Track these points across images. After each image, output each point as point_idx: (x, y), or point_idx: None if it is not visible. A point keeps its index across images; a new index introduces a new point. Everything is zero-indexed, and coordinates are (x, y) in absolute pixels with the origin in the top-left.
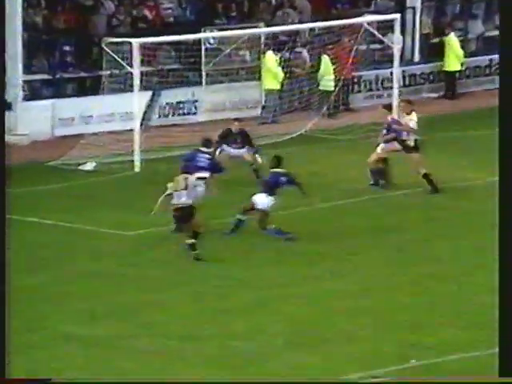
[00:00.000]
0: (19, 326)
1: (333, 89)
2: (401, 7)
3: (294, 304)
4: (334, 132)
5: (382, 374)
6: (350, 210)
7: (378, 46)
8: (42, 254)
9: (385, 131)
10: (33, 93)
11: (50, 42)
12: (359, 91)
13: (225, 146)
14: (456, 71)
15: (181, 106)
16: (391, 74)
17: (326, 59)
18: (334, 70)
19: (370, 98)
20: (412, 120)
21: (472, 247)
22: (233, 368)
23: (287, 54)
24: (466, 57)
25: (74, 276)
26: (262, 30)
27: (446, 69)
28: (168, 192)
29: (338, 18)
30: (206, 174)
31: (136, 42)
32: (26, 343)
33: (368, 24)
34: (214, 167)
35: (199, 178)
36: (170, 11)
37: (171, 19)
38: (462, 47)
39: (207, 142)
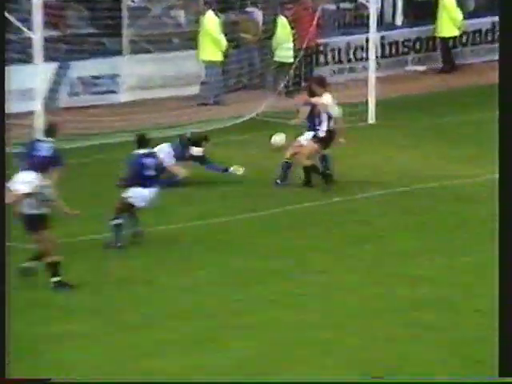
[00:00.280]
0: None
1: (292, 60)
2: None
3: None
4: (293, 115)
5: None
6: (311, 216)
7: (349, 4)
8: None
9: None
10: None
11: None
12: (326, 63)
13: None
14: (450, 38)
15: (97, 81)
16: (366, 41)
17: (283, 22)
18: (294, 35)
19: (339, 72)
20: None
21: (472, 264)
22: None
23: (233, 16)
24: (464, 18)
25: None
26: None
27: (440, 34)
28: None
29: None
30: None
31: None
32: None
33: None
34: (53, 160)
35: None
36: None
37: None
38: (459, 6)
39: (50, 130)
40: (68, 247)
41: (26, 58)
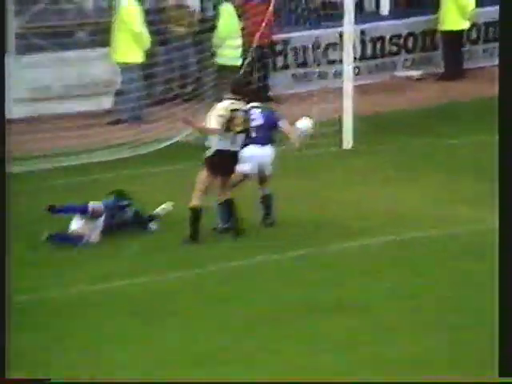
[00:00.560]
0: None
1: (239, 62)
2: None
3: None
4: None
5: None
6: (263, 275)
7: None
8: None
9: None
10: None
11: None
12: (286, 67)
13: None
14: (457, 32)
15: None
16: (341, 36)
17: (228, 10)
18: (243, 29)
19: (304, 79)
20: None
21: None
22: None
23: (159, 1)
24: (477, 6)
25: None
26: None
27: (442, 27)
28: None
29: None
30: None
31: None
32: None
33: None
34: None
35: None
36: None
37: None
38: None
39: None
40: None
41: None
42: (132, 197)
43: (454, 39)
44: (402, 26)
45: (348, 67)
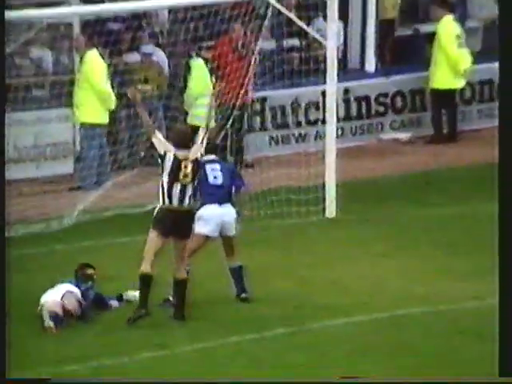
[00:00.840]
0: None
1: (213, 123)
2: None
3: None
4: None
5: None
6: (236, 358)
7: (297, 42)
8: None
9: None
10: None
11: None
12: (264, 128)
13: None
14: (452, 90)
15: None
16: (323, 95)
17: (199, 65)
18: (216, 87)
19: (284, 142)
20: None
21: None
22: None
23: (127, 56)
24: (473, 63)
25: None
26: (76, 8)
27: (435, 86)
28: None
29: None
30: None
31: None
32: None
33: (278, 0)
34: None
35: None
36: None
37: None
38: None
39: None
40: None
41: None
42: (93, 274)
43: (446, 99)
44: (389, 84)
45: (331, 128)
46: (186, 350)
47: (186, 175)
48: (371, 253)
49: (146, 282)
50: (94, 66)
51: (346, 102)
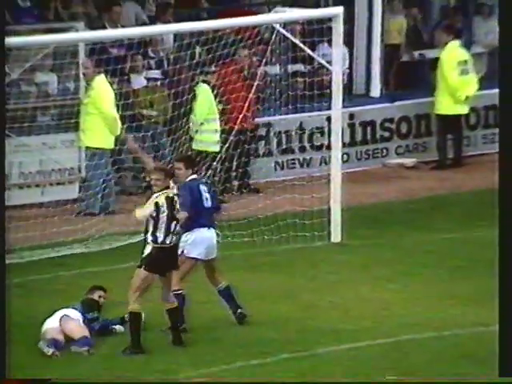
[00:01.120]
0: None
1: (218, 148)
2: None
3: None
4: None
5: None
6: None
7: (302, 67)
8: None
9: None
10: None
11: None
12: (269, 153)
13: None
14: (457, 116)
15: None
16: (328, 120)
17: (204, 91)
18: (222, 112)
19: (288, 167)
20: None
21: None
22: None
23: (133, 81)
24: (479, 89)
25: None
26: (82, 35)
27: (439, 111)
28: None
29: (226, 15)
30: None
31: None
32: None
33: (283, 26)
34: None
35: None
36: None
37: None
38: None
39: None
40: None
41: None
42: (100, 301)
43: (451, 124)
44: (394, 109)
45: (336, 153)
46: (189, 375)
47: (177, 209)
48: (376, 277)
49: (138, 320)
50: (102, 92)
51: (351, 127)
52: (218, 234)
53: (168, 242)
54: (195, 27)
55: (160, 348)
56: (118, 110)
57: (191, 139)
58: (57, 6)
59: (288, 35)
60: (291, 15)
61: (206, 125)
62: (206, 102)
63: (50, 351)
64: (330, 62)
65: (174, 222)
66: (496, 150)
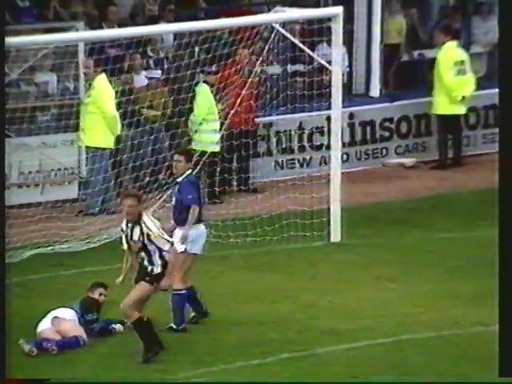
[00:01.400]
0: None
1: (218, 148)
2: None
3: None
4: (219, 236)
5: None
6: None
7: (301, 67)
8: None
9: None
10: None
11: None
12: (269, 153)
13: None
14: (456, 116)
15: None
16: (328, 120)
17: (204, 91)
18: (221, 112)
19: (288, 167)
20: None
21: None
22: None
23: (133, 81)
24: (476, 89)
25: None
26: (82, 34)
27: (437, 111)
28: None
29: (225, 15)
30: None
31: None
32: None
33: (282, 25)
34: None
35: None
36: None
37: None
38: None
39: None
40: None
41: None
42: (99, 299)
43: (450, 124)
44: (393, 109)
45: (336, 153)
46: (189, 375)
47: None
48: (376, 277)
49: (145, 325)
50: (103, 91)
51: (351, 126)
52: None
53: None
54: (194, 27)
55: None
56: (118, 108)
57: (190, 139)
58: (56, 6)
59: (287, 35)
60: (291, 15)
61: (205, 125)
62: (205, 102)
63: (27, 348)
64: (329, 62)
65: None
66: (496, 150)
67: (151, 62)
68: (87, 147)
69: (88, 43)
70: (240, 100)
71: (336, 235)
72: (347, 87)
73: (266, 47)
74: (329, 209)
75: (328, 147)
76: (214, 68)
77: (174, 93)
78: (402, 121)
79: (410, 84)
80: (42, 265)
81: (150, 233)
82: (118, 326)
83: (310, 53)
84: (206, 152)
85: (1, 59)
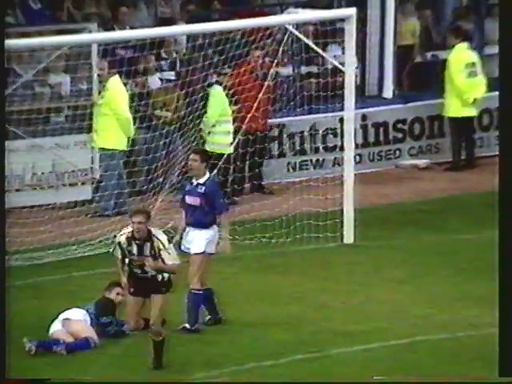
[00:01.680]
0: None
1: (231, 149)
2: None
3: None
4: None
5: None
6: None
7: (315, 68)
8: None
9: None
10: None
11: None
12: (282, 154)
13: None
14: (469, 118)
15: None
16: (341, 121)
17: (218, 93)
18: (235, 114)
19: (301, 168)
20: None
21: None
22: None
23: (147, 82)
24: (489, 90)
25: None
26: (95, 36)
27: (448, 114)
28: None
29: (238, 16)
30: None
31: None
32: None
33: (296, 27)
34: None
35: None
36: None
37: None
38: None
39: None
40: None
41: None
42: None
43: (462, 126)
44: (407, 110)
45: (349, 155)
46: (201, 376)
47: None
48: (389, 278)
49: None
50: (117, 93)
51: (364, 128)
52: None
53: None
54: (207, 28)
55: (173, 349)
56: (131, 110)
57: (204, 141)
58: (69, 7)
59: (301, 36)
60: (304, 16)
61: (218, 127)
62: (218, 104)
63: (27, 346)
64: (342, 64)
65: None
66: None
67: (165, 63)
68: (100, 149)
69: (101, 44)
70: (257, 104)
71: (349, 236)
72: (360, 88)
73: (280, 49)
74: (342, 210)
75: (341, 148)
76: (227, 69)
77: (188, 94)
78: (415, 122)
79: (423, 85)
80: (55, 266)
81: (161, 247)
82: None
83: (324, 54)
84: (219, 153)
85: (1, 59)
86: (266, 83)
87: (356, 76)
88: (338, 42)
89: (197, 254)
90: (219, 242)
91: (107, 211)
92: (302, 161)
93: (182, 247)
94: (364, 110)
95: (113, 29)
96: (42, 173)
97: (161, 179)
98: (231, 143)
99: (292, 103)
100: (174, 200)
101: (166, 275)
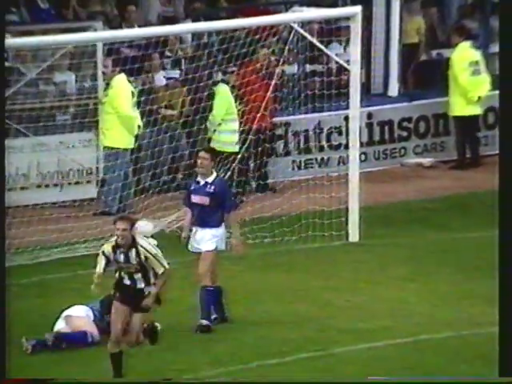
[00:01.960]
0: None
1: (237, 148)
2: None
3: None
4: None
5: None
6: None
7: (320, 66)
8: None
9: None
10: None
11: None
12: (287, 153)
13: None
14: (473, 116)
15: None
16: (346, 120)
17: (223, 91)
18: (240, 112)
19: (306, 166)
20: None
21: None
22: None
23: (150, 81)
24: (494, 88)
25: None
26: (100, 34)
27: (453, 112)
28: None
29: (243, 15)
30: None
31: None
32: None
33: (301, 25)
34: None
35: None
36: None
37: None
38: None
39: None
40: None
41: None
42: None
43: (467, 124)
44: (412, 108)
45: (354, 153)
46: (206, 374)
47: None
48: (394, 277)
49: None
50: (120, 91)
51: (369, 126)
52: None
53: None
54: (213, 26)
55: (178, 347)
56: (138, 108)
57: (209, 139)
58: (75, 6)
59: (306, 35)
60: (309, 14)
61: (224, 125)
62: (224, 103)
63: (24, 346)
64: (348, 61)
65: None
66: None
67: (169, 62)
68: (106, 147)
69: (106, 43)
70: (258, 99)
71: (354, 235)
72: (365, 87)
73: (286, 47)
74: (347, 208)
75: (346, 147)
76: (232, 67)
77: (192, 93)
78: (420, 120)
79: (429, 83)
80: (60, 264)
81: (147, 255)
82: None
83: (329, 53)
84: (225, 152)
85: (1, 59)
86: (271, 81)
87: (361, 73)
88: (339, 41)
89: (208, 251)
90: (230, 241)
91: (112, 210)
92: (306, 159)
93: (190, 247)
94: (369, 109)
95: (120, 27)
96: (47, 171)
97: (165, 177)
98: (237, 142)
99: (297, 102)
100: (174, 198)
101: (153, 291)
